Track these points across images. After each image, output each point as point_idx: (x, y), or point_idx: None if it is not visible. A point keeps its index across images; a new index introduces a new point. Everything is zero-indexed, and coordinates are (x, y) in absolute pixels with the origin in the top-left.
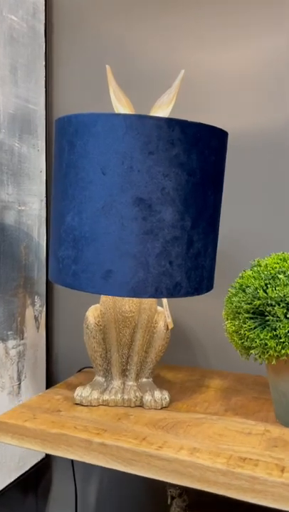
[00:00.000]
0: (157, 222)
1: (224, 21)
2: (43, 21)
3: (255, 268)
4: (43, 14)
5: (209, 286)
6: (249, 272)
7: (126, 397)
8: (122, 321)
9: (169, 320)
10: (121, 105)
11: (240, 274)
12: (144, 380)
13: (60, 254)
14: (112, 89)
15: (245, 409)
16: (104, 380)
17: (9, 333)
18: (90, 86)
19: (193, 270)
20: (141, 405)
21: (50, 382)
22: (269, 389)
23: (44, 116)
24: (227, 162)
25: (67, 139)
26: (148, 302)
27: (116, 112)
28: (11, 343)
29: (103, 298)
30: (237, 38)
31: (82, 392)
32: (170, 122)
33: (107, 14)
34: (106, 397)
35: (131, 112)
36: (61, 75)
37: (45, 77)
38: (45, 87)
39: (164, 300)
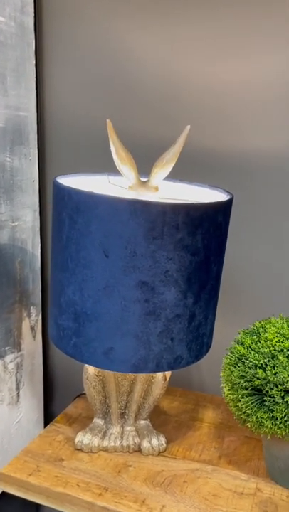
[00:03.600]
0: (160, 303)
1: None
2: (32, 14)
3: (255, 337)
4: (32, 6)
5: (209, 347)
6: (248, 341)
7: (125, 443)
8: (121, 375)
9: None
10: (122, 163)
11: (239, 336)
12: (142, 422)
13: (60, 322)
14: (112, 145)
15: (237, 456)
16: (103, 422)
17: (7, 348)
18: (84, 80)
19: (194, 341)
20: (139, 450)
21: (47, 385)
22: None
23: (35, 121)
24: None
25: (67, 212)
26: None
27: (116, 165)
28: (8, 357)
29: None
30: (263, 45)
31: (83, 440)
32: (175, 208)
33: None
34: (106, 443)
35: (132, 168)
36: (53, 72)
37: (36, 77)
38: (36, 89)
39: None
